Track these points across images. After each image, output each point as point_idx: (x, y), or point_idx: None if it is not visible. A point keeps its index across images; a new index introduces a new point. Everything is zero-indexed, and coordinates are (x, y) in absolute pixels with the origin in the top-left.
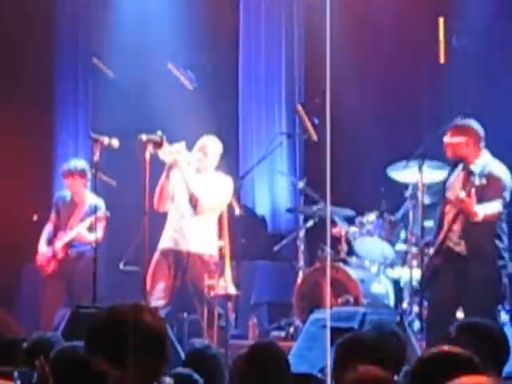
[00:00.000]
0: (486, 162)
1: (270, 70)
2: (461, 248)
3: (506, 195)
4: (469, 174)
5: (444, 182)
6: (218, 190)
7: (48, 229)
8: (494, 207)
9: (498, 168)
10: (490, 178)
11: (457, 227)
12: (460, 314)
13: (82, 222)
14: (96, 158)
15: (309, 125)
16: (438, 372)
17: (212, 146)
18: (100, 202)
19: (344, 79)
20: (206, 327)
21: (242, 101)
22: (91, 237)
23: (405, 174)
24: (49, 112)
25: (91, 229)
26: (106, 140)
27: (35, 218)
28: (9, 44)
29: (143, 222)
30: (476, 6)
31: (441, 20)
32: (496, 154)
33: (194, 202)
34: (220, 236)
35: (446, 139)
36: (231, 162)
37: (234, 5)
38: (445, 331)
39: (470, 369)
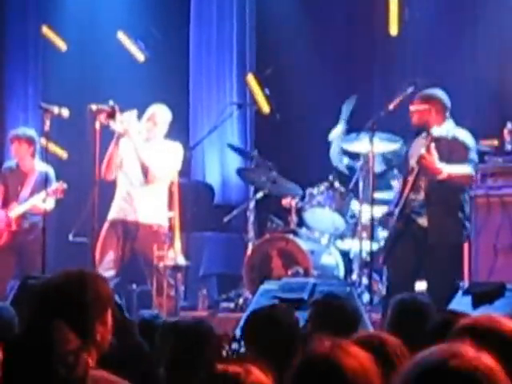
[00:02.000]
0: (448, 128)
1: (220, 40)
2: (422, 219)
3: (474, 157)
4: (431, 139)
5: (406, 154)
6: (168, 158)
7: None
8: (462, 169)
9: (461, 132)
10: (455, 142)
11: (418, 197)
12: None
13: (33, 191)
14: (46, 127)
15: (260, 95)
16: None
17: (161, 114)
18: (50, 171)
19: (295, 52)
20: (156, 298)
21: (193, 71)
22: (45, 206)
23: (356, 145)
24: None
25: (45, 199)
26: (55, 110)
27: None
28: None
29: (93, 192)
30: None
31: None
32: None
33: (144, 171)
34: (170, 207)
35: (412, 107)
36: (181, 133)
37: None
38: None
39: None
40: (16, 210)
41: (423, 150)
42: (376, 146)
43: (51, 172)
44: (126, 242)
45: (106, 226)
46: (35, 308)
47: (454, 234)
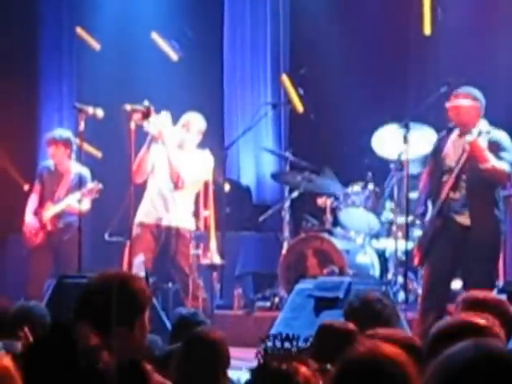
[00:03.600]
0: (485, 128)
1: (254, 40)
2: (463, 218)
3: (510, 158)
4: (479, 133)
5: (434, 152)
6: (199, 167)
7: (33, 199)
8: (502, 165)
9: (497, 133)
10: (492, 143)
11: (459, 195)
12: (456, 285)
13: (69, 192)
14: (81, 128)
15: (294, 95)
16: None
17: (195, 123)
18: (85, 172)
19: (329, 51)
20: (191, 298)
21: (227, 71)
22: (81, 207)
23: (390, 147)
24: (33, 83)
25: (80, 200)
26: (90, 110)
27: (27, 187)
28: None
29: (129, 192)
30: None
31: None
32: None
33: (175, 177)
34: (205, 206)
35: (453, 102)
36: (216, 133)
37: None
38: (440, 301)
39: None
40: (51, 210)
41: (470, 137)
42: (410, 146)
43: (87, 173)
44: (155, 245)
45: (134, 228)
46: (74, 308)
47: (494, 231)
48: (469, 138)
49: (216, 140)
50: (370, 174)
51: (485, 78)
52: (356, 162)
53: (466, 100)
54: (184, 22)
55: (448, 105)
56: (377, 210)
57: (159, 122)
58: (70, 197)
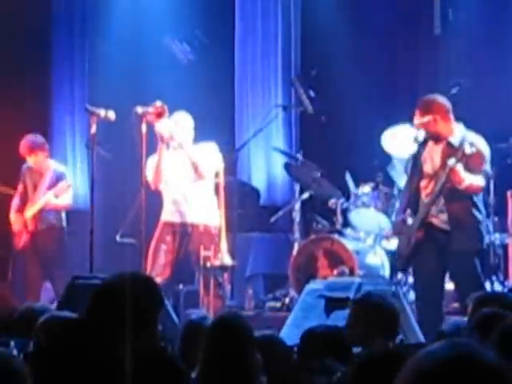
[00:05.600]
0: (463, 134)
1: (266, 42)
2: (440, 222)
3: (487, 168)
4: (448, 144)
5: (415, 159)
6: (209, 157)
7: (16, 200)
8: (476, 180)
9: (476, 140)
10: (477, 153)
11: (438, 201)
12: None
13: (49, 190)
14: (93, 130)
15: (304, 97)
16: None
17: (184, 120)
18: (62, 169)
19: (341, 53)
20: (203, 297)
21: (238, 73)
22: (60, 202)
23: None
24: (45, 85)
25: (57, 197)
26: (102, 112)
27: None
28: (4, 17)
29: (140, 194)
30: None
31: None
32: (491, 123)
33: (195, 170)
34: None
35: (416, 121)
36: (227, 134)
37: None
38: (435, 306)
39: None
40: (31, 210)
41: (452, 161)
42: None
43: (64, 170)
44: (179, 244)
45: (159, 227)
46: (87, 307)
47: (474, 234)
48: (450, 162)
49: (227, 142)
50: (380, 174)
51: (496, 78)
52: (367, 162)
53: (424, 117)
54: (195, 25)
55: (414, 124)
56: (387, 211)
57: (169, 125)
58: (46, 195)
